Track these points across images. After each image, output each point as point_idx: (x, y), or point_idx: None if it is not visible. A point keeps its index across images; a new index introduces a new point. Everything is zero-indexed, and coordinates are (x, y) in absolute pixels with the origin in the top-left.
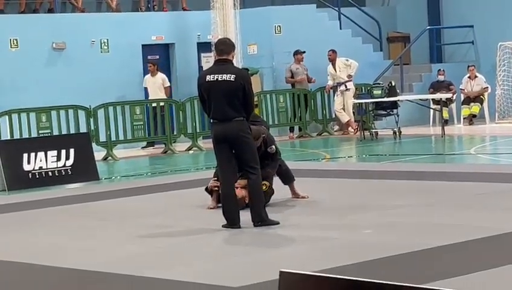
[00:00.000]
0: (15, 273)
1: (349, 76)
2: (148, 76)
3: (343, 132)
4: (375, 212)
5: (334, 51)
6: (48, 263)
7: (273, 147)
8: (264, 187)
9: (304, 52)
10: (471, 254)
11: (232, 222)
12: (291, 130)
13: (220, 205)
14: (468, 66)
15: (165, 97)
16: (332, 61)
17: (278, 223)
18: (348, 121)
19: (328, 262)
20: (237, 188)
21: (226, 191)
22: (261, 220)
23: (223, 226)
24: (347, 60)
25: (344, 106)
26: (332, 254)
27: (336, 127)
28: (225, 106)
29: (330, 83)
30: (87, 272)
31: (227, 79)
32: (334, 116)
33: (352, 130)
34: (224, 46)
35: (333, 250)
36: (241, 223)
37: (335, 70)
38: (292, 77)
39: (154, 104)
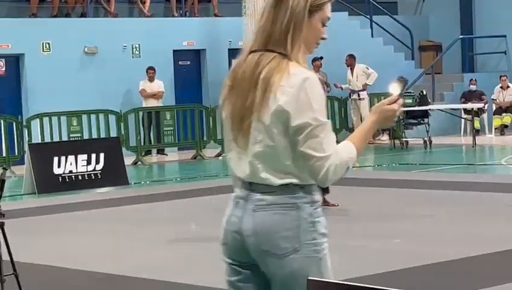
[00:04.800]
0: (46, 276)
1: (365, 85)
2: (145, 82)
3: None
4: (405, 221)
5: (351, 56)
6: (79, 267)
7: None
8: None
9: (322, 58)
10: (502, 265)
11: None
12: None
13: None
14: (501, 76)
15: (160, 104)
16: (350, 67)
17: None
18: None
19: (357, 271)
20: None
21: None
22: None
23: None
24: (367, 68)
25: (361, 116)
26: (362, 262)
27: None
28: None
29: (346, 86)
30: (118, 277)
31: None
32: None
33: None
34: None
35: (362, 259)
36: None
37: (352, 76)
38: None
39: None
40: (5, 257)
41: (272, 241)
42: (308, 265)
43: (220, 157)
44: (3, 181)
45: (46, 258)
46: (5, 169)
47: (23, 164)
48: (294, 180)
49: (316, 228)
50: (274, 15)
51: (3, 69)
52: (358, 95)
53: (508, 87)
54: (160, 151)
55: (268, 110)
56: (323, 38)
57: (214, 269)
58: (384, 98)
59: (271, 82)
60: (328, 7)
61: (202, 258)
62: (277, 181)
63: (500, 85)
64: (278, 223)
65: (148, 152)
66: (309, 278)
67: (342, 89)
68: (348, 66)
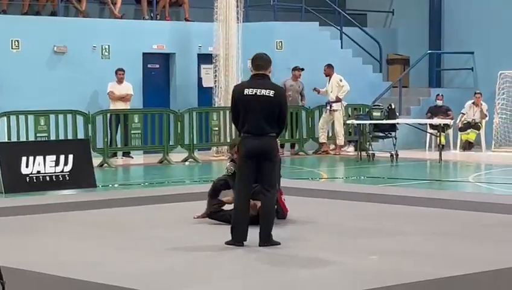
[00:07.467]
0: (19, 281)
1: (338, 98)
2: (113, 84)
3: (320, 152)
4: (378, 237)
5: (329, 66)
6: (58, 273)
7: None
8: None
9: (303, 69)
10: (476, 287)
11: (239, 239)
12: (282, 146)
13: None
14: (475, 93)
15: (128, 107)
16: (328, 77)
17: (279, 243)
18: (323, 143)
19: (331, 287)
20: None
21: (240, 207)
22: (268, 240)
23: (226, 243)
24: (341, 81)
25: (333, 128)
26: (333, 279)
27: (332, 146)
28: (262, 121)
29: (324, 89)
30: (101, 286)
31: (267, 94)
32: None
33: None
34: (262, 62)
35: (338, 274)
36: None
37: (328, 86)
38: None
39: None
40: None
41: None
42: None
43: (186, 163)
44: None
45: (21, 262)
46: None
47: None
48: None
49: None
50: None
51: None
52: (331, 106)
53: (481, 104)
54: (126, 154)
55: None
56: None
57: (200, 282)
58: (352, 110)
59: None
60: None
61: (187, 270)
62: None
63: (472, 101)
64: None
65: (114, 154)
66: None
67: (319, 92)
68: (325, 75)
